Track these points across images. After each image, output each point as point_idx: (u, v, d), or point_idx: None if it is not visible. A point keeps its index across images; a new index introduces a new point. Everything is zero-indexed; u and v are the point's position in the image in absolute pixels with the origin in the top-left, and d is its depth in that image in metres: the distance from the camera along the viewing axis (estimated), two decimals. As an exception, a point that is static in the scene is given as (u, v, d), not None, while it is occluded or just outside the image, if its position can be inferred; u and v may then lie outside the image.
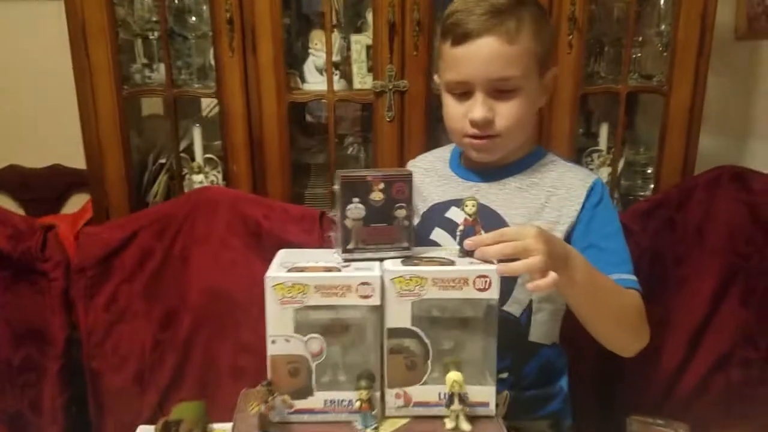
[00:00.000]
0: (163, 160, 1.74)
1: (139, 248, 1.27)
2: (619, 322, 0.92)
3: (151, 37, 1.60)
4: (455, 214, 0.97)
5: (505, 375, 0.97)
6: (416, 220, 1.05)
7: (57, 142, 1.99)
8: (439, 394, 0.75)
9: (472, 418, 0.74)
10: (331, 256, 0.78)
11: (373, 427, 0.74)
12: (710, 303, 1.40)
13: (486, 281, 0.71)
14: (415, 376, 0.75)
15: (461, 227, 0.76)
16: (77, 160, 1.91)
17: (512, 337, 0.96)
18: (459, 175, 1.03)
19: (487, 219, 0.95)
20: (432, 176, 1.05)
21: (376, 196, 0.73)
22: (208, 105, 1.82)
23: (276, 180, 1.50)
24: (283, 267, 0.74)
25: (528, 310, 0.97)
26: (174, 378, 1.29)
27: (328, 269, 0.73)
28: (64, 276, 1.26)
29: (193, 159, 1.71)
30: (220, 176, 1.62)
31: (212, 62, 1.52)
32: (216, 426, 0.82)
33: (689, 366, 1.41)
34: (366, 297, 0.72)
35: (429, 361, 0.74)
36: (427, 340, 0.74)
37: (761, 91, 1.79)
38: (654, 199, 1.43)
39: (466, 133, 0.95)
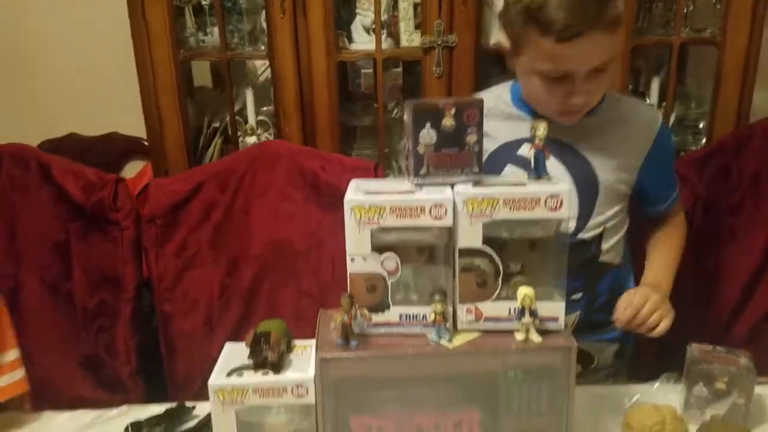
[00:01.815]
0: (216, 124, 1.82)
1: (203, 201, 1.34)
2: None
3: (203, 2, 1.66)
4: (528, 151, 1.00)
5: (578, 295, 1.05)
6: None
7: (113, 110, 2.06)
8: (509, 310, 0.79)
9: (541, 332, 0.78)
10: (401, 185, 0.82)
11: (447, 338, 0.78)
12: (764, 254, 1.40)
13: (557, 201, 0.74)
14: (486, 293, 0.79)
15: (531, 150, 0.78)
16: (133, 128, 1.99)
17: (584, 259, 1.04)
18: (528, 113, 1.04)
19: (564, 156, 1.00)
20: (497, 118, 1.06)
21: (448, 121, 0.76)
22: (258, 70, 1.88)
23: (326, 139, 1.56)
24: (360, 191, 0.78)
25: (599, 237, 1.05)
26: (240, 321, 1.36)
27: (402, 193, 0.77)
28: (134, 225, 1.33)
29: (246, 122, 1.78)
30: (272, 138, 1.68)
31: (263, 26, 1.57)
32: (298, 342, 0.88)
33: (740, 317, 1.42)
34: (439, 218, 0.75)
35: (499, 279, 0.78)
36: (497, 259, 0.77)
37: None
38: (710, 147, 1.43)
39: (558, 111, 0.98)
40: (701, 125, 1.63)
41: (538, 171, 0.79)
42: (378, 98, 1.56)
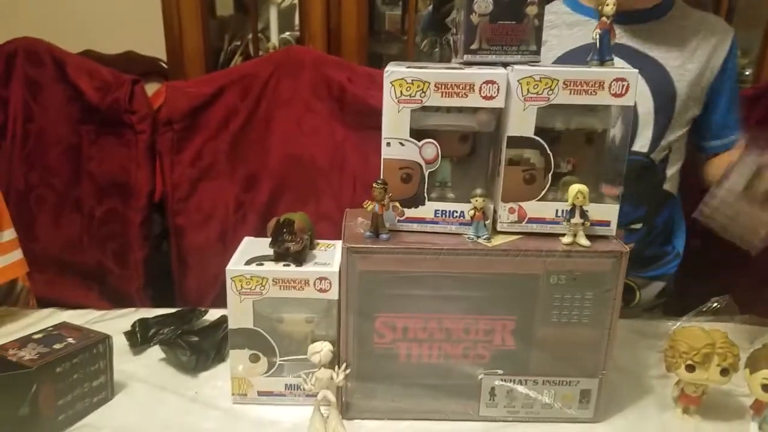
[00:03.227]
0: (237, 43, 1.77)
1: (224, 106, 1.26)
2: None
3: None
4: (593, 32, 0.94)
5: (639, 225, 1.00)
6: None
7: (132, 28, 1.99)
8: (557, 211, 0.71)
9: (590, 237, 0.71)
10: (447, 65, 0.74)
11: (485, 237, 0.71)
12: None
13: (623, 85, 0.66)
14: (533, 191, 0.71)
15: (598, 30, 0.70)
16: (151, 48, 1.91)
17: (651, 185, 0.99)
18: (590, 15, 0.98)
19: (641, 65, 0.91)
20: (557, 27, 0.99)
21: (508, -12, 0.68)
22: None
23: (353, 61, 1.48)
24: (401, 66, 0.70)
25: (666, 160, 0.99)
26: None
27: (450, 68, 0.69)
28: (150, 129, 1.27)
29: (268, 40, 1.72)
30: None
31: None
32: (321, 241, 0.82)
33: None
34: (489, 98, 0.68)
35: (549, 176, 0.71)
36: (549, 152, 0.70)
37: None
38: (760, 86, 1.34)
39: None
40: (747, 73, 1.56)
41: (601, 54, 0.70)
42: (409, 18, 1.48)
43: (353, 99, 1.26)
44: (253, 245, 0.80)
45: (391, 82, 0.68)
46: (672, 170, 1.01)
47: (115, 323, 0.96)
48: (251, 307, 0.73)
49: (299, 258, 0.74)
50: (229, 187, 1.29)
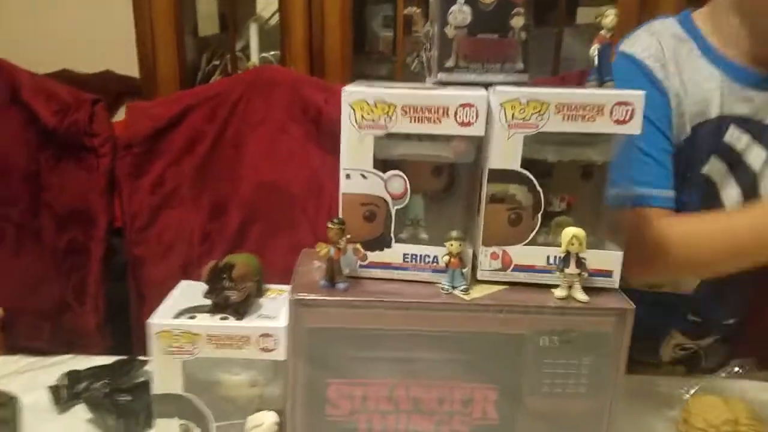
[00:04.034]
0: (216, 62, 1.70)
1: (189, 129, 1.16)
2: None
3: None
4: (738, 139, 0.76)
5: (731, 321, 0.87)
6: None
7: (109, 47, 1.92)
8: (548, 258, 0.60)
9: (588, 290, 0.59)
10: (418, 85, 0.63)
11: (463, 288, 0.59)
12: None
13: (627, 111, 0.55)
14: (519, 234, 0.60)
15: (596, 45, 0.59)
16: (129, 67, 1.84)
17: (754, 278, 0.79)
18: (732, 78, 0.75)
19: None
20: (686, 70, 0.76)
21: (488, -5, 0.57)
22: (263, 9, 1.73)
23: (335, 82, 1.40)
24: (364, 84, 0.59)
25: None
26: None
27: (420, 89, 0.58)
28: (112, 153, 1.16)
29: (248, 59, 1.64)
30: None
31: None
32: (272, 286, 0.70)
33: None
34: (467, 124, 0.57)
35: (539, 216, 0.59)
36: (539, 189, 0.58)
37: None
38: None
39: None
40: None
41: (600, 74, 0.59)
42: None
43: (330, 121, 1.16)
44: (191, 291, 0.68)
45: (350, 104, 0.57)
46: None
47: (46, 373, 0.84)
48: (180, 369, 0.61)
49: (240, 309, 0.62)
50: (193, 216, 1.18)
